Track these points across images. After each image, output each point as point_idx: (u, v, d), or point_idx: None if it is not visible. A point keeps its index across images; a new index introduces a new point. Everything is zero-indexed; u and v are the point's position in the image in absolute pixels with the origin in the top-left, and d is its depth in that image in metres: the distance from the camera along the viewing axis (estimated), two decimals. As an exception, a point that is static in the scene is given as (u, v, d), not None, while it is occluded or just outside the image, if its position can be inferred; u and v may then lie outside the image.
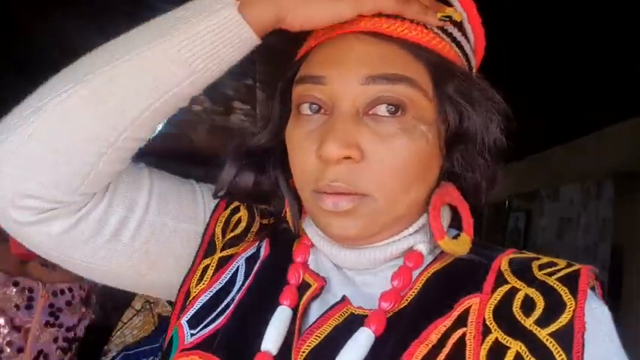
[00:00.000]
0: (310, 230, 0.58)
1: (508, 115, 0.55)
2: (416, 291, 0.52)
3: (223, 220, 0.63)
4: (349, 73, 0.50)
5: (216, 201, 0.63)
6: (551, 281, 0.49)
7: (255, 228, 0.63)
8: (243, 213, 0.64)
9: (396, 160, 0.49)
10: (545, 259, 0.53)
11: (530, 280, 0.50)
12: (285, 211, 0.62)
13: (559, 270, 0.50)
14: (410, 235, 0.55)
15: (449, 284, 0.52)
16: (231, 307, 0.57)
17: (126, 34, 0.52)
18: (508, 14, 1.79)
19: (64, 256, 0.56)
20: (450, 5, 0.55)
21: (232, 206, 0.64)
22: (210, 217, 0.62)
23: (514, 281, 0.50)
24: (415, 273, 0.54)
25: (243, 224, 0.63)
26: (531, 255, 0.54)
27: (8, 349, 1.15)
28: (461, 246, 0.53)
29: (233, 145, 0.60)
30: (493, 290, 0.50)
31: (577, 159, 2.95)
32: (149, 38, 0.49)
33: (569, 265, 0.51)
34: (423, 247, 0.54)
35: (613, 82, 2.19)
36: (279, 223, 0.62)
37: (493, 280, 0.51)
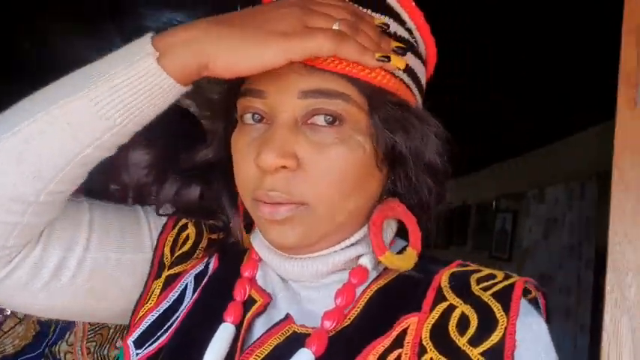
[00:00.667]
0: (257, 242, 0.58)
1: (447, 139, 0.55)
2: (358, 309, 0.52)
3: (172, 240, 0.62)
4: (286, 88, 0.50)
5: (164, 222, 0.63)
6: (486, 297, 0.49)
7: (203, 244, 0.63)
8: (190, 230, 0.63)
9: (333, 169, 0.49)
10: (485, 272, 0.53)
11: (467, 296, 0.50)
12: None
13: (495, 284, 0.50)
14: (352, 245, 0.55)
15: (390, 302, 0.52)
16: (176, 324, 0.57)
17: (46, 87, 0.50)
18: (495, 16, 1.82)
19: (6, 301, 0.55)
20: (396, 15, 0.55)
21: (180, 224, 0.63)
22: (158, 239, 0.62)
23: (452, 298, 0.50)
24: (359, 290, 0.54)
25: (190, 241, 0.62)
26: (474, 267, 0.54)
27: None
28: (405, 261, 0.53)
29: (177, 160, 0.60)
30: (432, 308, 0.50)
31: (562, 160, 3.00)
32: (68, 91, 0.48)
33: (505, 278, 0.51)
34: (367, 262, 0.54)
35: (597, 83, 2.21)
36: (228, 237, 0.62)
37: (432, 297, 0.51)
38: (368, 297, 0.53)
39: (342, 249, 0.54)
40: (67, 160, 0.49)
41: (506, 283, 0.50)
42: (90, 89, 0.47)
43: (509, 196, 3.51)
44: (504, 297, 0.49)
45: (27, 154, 0.48)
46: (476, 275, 0.52)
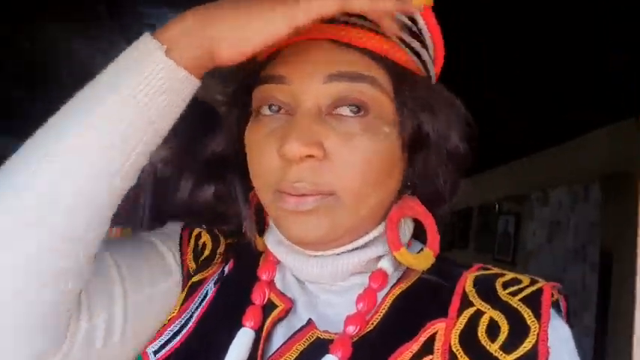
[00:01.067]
0: (272, 243, 0.56)
1: (469, 123, 0.54)
2: (381, 314, 0.51)
3: (192, 251, 0.61)
4: (311, 72, 0.49)
5: (179, 239, 0.61)
6: (515, 302, 0.49)
7: (221, 249, 0.62)
8: (205, 237, 0.62)
9: (359, 159, 0.48)
10: (509, 276, 0.52)
11: (495, 302, 0.49)
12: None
13: (522, 289, 0.50)
14: (370, 242, 0.53)
15: (414, 307, 0.51)
16: (189, 326, 0.55)
17: (53, 119, 0.45)
18: (498, 16, 1.80)
19: None
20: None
21: (194, 234, 0.62)
22: (182, 258, 0.60)
23: (479, 303, 0.49)
24: (380, 295, 0.53)
25: (209, 247, 0.61)
26: (497, 271, 0.54)
27: None
28: (421, 260, 0.52)
29: (188, 158, 0.60)
30: (459, 314, 0.49)
31: (565, 162, 2.97)
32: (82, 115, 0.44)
33: (532, 283, 0.51)
34: (387, 265, 0.53)
35: (600, 85, 2.20)
36: (243, 239, 0.60)
37: (458, 302, 0.50)
38: (390, 302, 0.52)
39: (360, 247, 0.53)
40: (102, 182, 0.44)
41: (533, 288, 0.50)
42: (99, 112, 0.43)
43: (512, 198, 3.48)
44: (534, 302, 0.48)
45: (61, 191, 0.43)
46: (501, 279, 0.51)
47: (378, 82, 0.49)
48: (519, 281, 0.51)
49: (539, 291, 0.49)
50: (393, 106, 0.50)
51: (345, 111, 0.49)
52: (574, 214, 2.81)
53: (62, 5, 2.31)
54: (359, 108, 0.49)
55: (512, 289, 0.50)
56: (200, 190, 0.58)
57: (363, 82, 0.48)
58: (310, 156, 0.47)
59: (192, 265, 0.59)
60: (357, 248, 0.53)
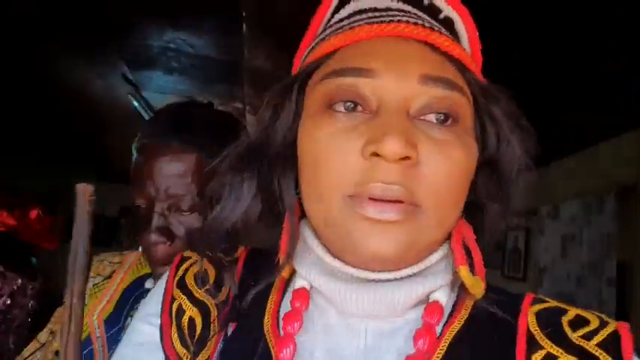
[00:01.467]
0: (308, 265, 0.49)
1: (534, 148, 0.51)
2: (440, 355, 0.45)
3: (176, 335, 0.52)
4: (406, 69, 0.45)
5: (159, 325, 0.53)
6: (591, 347, 0.45)
7: (214, 314, 0.52)
8: (190, 311, 0.53)
9: (450, 170, 0.44)
10: (572, 312, 0.48)
11: (567, 346, 0.45)
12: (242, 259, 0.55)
13: (594, 331, 0.46)
14: (433, 266, 0.48)
15: (475, 348, 0.47)
16: None
17: None
18: (509, 25, 1.76)
19: None
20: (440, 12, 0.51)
21: (174, 309, 0.53)
22: (165, 349, 0.52)
23: (549, 346, 0.45)
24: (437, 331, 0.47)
25: (198, 321, 0.52)
26: (555, 304, 0.50)
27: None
28: (476, 284, 0.47)
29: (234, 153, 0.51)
30: (527, 357, 0.45)
31: (577, 172, 2.92)
32: None
33: (603, 324, 0.47)
34: (443, 297, 0.48)
35: (614, 91, 2.16)
36: (230, 268, 0.53)
37: (524, 344, 0.46)
38: (448, 342, 0.46)
39: (422, 272, 0.47)
40: None
41: (608, 330, 0.46)
42: None
43: (521, 212, 3.33)
44: (614, 348, 0.45)
45: None
46: (565, 318, 0.48)
47: (466, 94, 0.47)
48: (587, 320, 0.47)
49: (616, 334, 0.46)
50: (472, 120, 0.48)
51: (431, 118, 0.45)
52: (588, 226, 2.75)
53: (63, 28, 2.26)
54: (447, 117, 0.45)
55: (583, 330, 0.46)
56: (251, 205, 0.51)
57: (455, 90, 0.45)
58: (407, 158, 0.42)
59: (180, 352, 0.51)
60: (417, 273, 0.47)
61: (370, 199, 0.43)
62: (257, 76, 2.85)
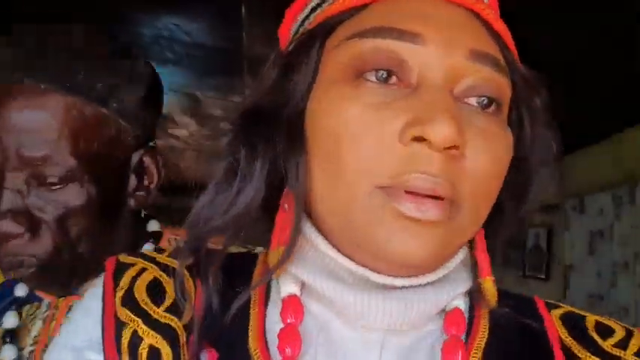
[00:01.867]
0: (311, 264, 0.43)
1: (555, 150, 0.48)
2: None
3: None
4: (457, 39, 0.40)
5: None
6: (631, 358, 0.45)
7: (182, 340, 0.43)
8: (149, 337, 0.43)
9: (493, 166, 0.41)
10: (590, 319, 0.48)
11: (603, 355, 0.45)
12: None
13: (624, 340, 0.46)
14: (452, 272, 0.45)
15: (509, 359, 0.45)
16: None
17: None
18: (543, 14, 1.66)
19: None
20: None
21: (125, 339, 0.43)
22: None
23: (586, 356, 0.44)
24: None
25: (165, 351, 0.42)
26: (569, 309, 0.49)
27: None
28: (494, 295, 0.45)
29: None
30: None
31: (605, 162, 2.78)
32: None
33: (629, 333, 0.47)
34: (462, 304, 0.46)
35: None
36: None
37: (562, 355, 0.45)
38: (479, 354, 0.44)
39: (448, 284, 0.44)
40: None
41: (638, 340, 0.46)
42: None
43: (542, 208, 3.27)
44: None
45: None
46: (588, 324, 0.47)
47: (509, 78, 0.43)
48: (610, 328, 0.47)
49: None
50: (507, 109, 0.45)
51: (473, 101, 0.41)
52: (619, 221, 2.62)
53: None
54: (489, 102, 0.42)
55: (612, 339, 0.46)
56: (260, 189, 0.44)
57: (502, 72, 0.42)
58: (454, 147, 0.38)
59: None
60: (440, 279, 0.44)
61: (407, 192, 0.38)
62: (257, 64, 2.73)
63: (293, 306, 0.42)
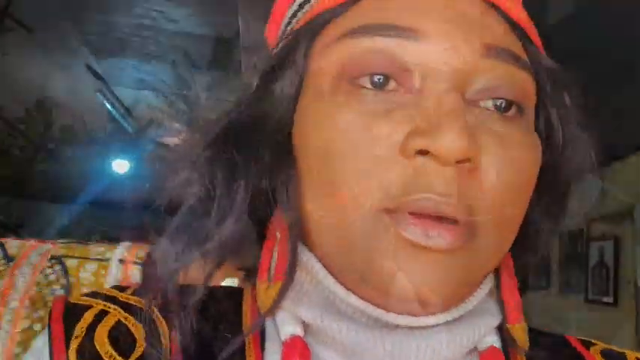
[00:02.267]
0: (315, 301, 0.39)
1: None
2: None
3: None
4: (466, 33, 0.36)
5: None
6: None
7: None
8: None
9: (516, 175, 0.37)
10: (631, 355, 0.46)
11: None
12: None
13: None
14: (480, 304, 0.41)
15: None
16: None
17: None
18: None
19: None
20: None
21: None
22: None
23: None
24: None
25: None
26: (604, 345, 0.46)
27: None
28: (526, 342, 0.42)
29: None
30: None
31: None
32: None
33: None
34: (497, 341, 0.41)
35: None
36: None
37: None
38: None
39: (473, 314, 0.40)
40: None
41: None
42: None
43: (607, 217, 2.94)
44: None
45: None
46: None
47: (533, 76, 0.39)
48: None
49: None
50: (533, 111, 0.41)
51: (489, 104, 0.38)
52: None
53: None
54: (509, 105, 0.38)
55: None
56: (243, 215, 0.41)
57: (524, 69, 0.38)
58: (466, 160, 0.35)
59: None
60: (466, 314, 0.40)
61: (411, 214, 0.35)
62: (254, 55, 2.49)
63: (299, 350, 0.38)
